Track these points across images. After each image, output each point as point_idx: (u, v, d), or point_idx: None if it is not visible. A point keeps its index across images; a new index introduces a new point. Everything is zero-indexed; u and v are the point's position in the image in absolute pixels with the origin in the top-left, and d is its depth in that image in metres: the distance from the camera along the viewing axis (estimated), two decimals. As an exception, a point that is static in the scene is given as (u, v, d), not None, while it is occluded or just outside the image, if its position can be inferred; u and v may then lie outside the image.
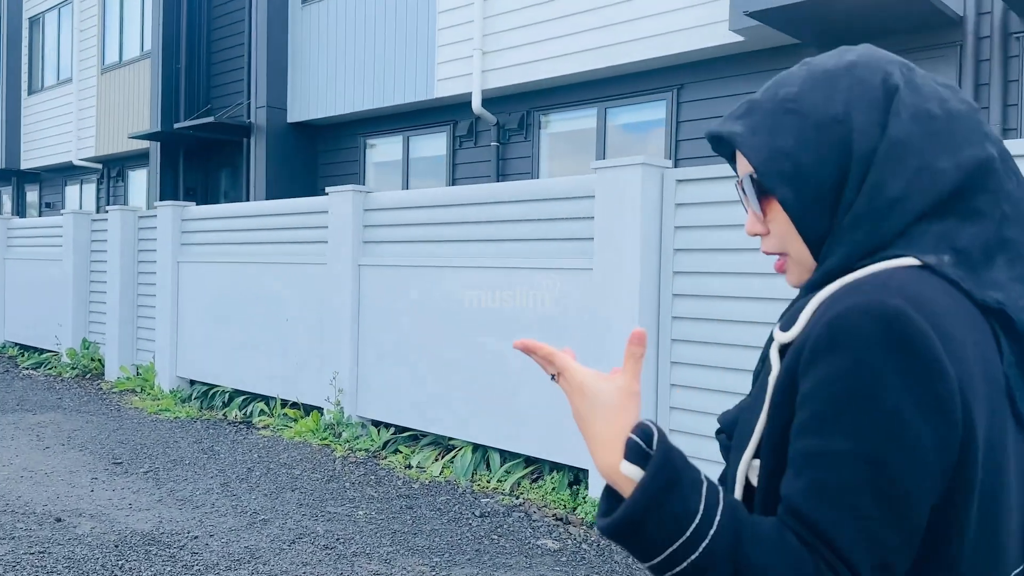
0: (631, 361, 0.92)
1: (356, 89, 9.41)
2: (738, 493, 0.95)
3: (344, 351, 6.55)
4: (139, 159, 14.02)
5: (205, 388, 8.24)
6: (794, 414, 0.86)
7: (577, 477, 5.22)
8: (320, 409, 6.89)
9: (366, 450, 6.19)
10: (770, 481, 0.90)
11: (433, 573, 3.95)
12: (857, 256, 0.90)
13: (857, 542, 0.80)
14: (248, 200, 10.73)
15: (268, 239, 7.51)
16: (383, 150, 9.79)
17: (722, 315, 4.49)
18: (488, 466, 5.68)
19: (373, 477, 5.53)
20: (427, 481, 5.46)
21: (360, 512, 4.80)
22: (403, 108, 9.16)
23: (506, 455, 5.65)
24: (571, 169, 7.88)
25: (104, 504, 4.86)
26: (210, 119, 10.21)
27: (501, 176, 8.18)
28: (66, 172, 16.39)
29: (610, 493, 0.92)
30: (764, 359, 0.98)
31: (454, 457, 5.79)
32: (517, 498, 5.11)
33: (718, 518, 0.83)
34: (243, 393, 7.85)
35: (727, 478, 0.99)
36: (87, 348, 10.08)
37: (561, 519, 4.75)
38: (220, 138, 11.00)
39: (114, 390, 8.82)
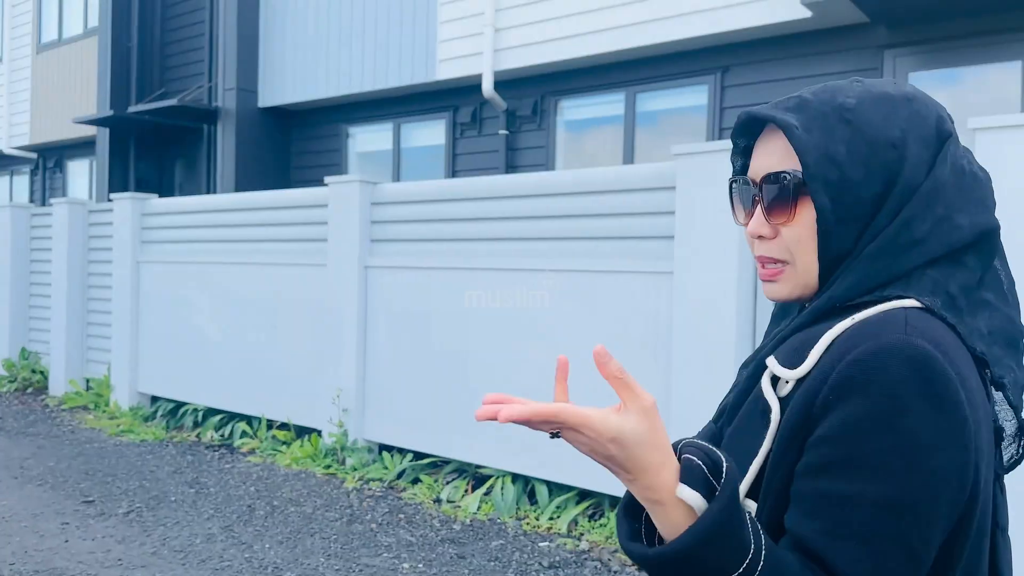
0: (621, 384, 0.83)
1: (339, 70, 8.49)
2: None
3: (348, 365, 5.69)
4: (80, 148, 12.76)
5: (171, 405, 7.26)
6: (803, 453, 0.86)
7: (646, 514, 4.49)
8: (317, 431, 6.01)
9: (380, 480, 5.35)
10: (770, 518, 0.89)
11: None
12: (865, 288, 0.91)
13: None
14: (212, 193, 9.70)
15: (250, 236, 6.58)
16: (369, 139, 8.86)
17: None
18: (531, 499, 4.91)
19: (401, 515, 4.71)
20: (467, 520, 4.65)
21: (404, 565, 3.98)
22: (395, 92, 8.26)
23: (552, 486, 4.89)
24: (592, 161, 7.14)
25: (86, 560, 3.93)
26: (172, 102, 9.14)
27: (510, 169, 7.38)
28: (-7, 162, 14.95)
29: (631, 514, 0.90)
30: (745, 391, 0.99)
31: (490, 489, 5.00)
32: (578, 539, 4.35)
33: (764, 551, 0.81)
34: (218, 411, 6.90)
35: None
36: (26, 359, 8.95)
37: (644, 568, 4.01)
38: (179, 124, 9.93)
39: (63, 407, 7.75)
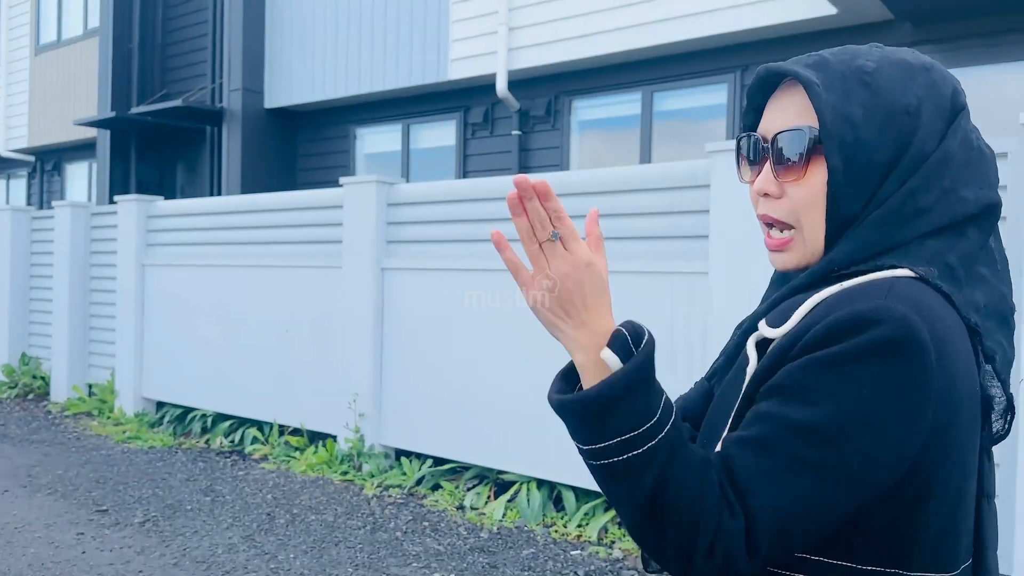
0: (595, 240, 0.93)
1: (348, 71, 8.36)
2: None
3: (364, 369, 5.56)
4: (78, 150, 12.59)
5: (178, 411, 7.11)
6: None
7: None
8: (332, 437, 5.88)
9: (399, 486, 5.23)
10: None
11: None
12: (865, 255, 0.91)
13: (770, 500, 0.82)
14: (216, 195, 9.56)
15: (260, 239, 6.45)
16: (378, 140, 8.73)
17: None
18: (557, 506, 4.80)
19: (426, 523, 4.58)
20: (493, 528, 4.53)
21: (436, 575, 3.85)
22: (404, 92, 8.14)
23: (579, 492, 4.77)
24: (606, 161, 7.03)
25: (106, 572, 3.79)
26: (176, 103, 8.99)
27: (523, 170, 7.26)
28: (-11, 166, 14.76)
29: (566, 377, 0.96)
30: (738, 349, 1.01)
31: (514, 495, 4.88)
32: (610, 547, 4.24)
33: (667, 427, 0.86)
34: (227, 417, 6.76)
35: None
36: (27, 364, 8.78)
37: None
38: (182, 125, 9.78)
39: (65, 413, 7.59)
